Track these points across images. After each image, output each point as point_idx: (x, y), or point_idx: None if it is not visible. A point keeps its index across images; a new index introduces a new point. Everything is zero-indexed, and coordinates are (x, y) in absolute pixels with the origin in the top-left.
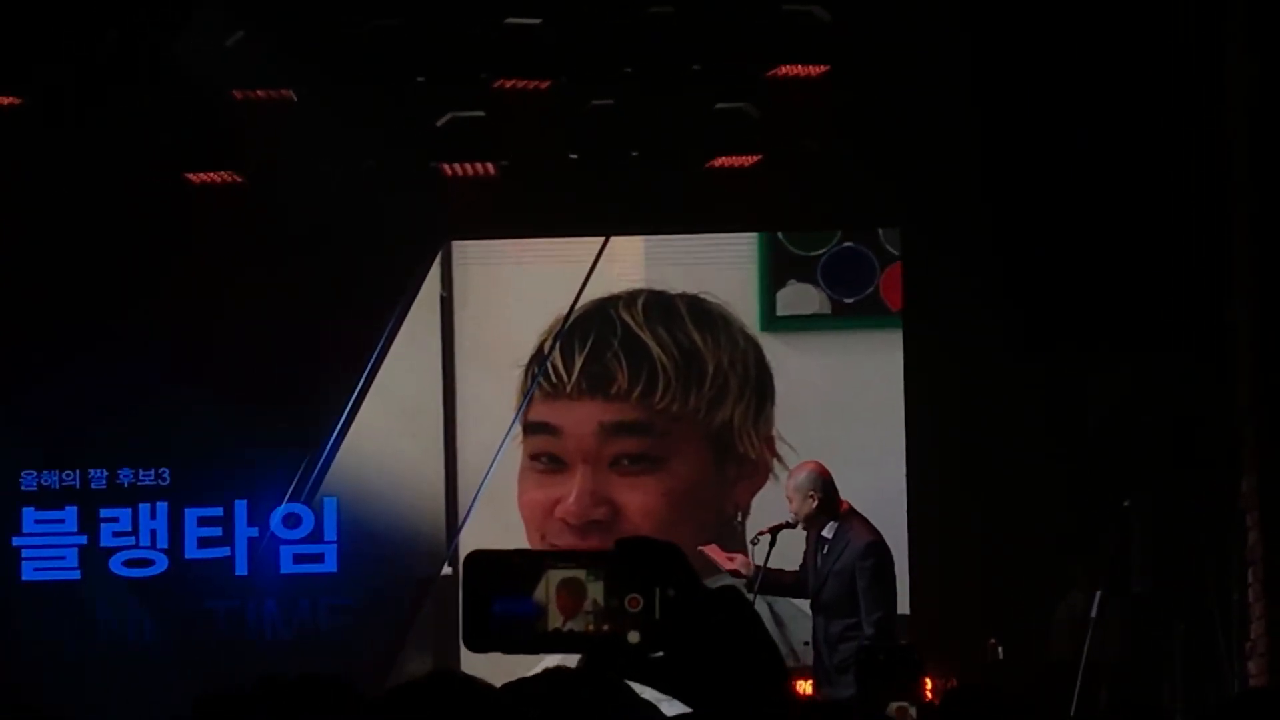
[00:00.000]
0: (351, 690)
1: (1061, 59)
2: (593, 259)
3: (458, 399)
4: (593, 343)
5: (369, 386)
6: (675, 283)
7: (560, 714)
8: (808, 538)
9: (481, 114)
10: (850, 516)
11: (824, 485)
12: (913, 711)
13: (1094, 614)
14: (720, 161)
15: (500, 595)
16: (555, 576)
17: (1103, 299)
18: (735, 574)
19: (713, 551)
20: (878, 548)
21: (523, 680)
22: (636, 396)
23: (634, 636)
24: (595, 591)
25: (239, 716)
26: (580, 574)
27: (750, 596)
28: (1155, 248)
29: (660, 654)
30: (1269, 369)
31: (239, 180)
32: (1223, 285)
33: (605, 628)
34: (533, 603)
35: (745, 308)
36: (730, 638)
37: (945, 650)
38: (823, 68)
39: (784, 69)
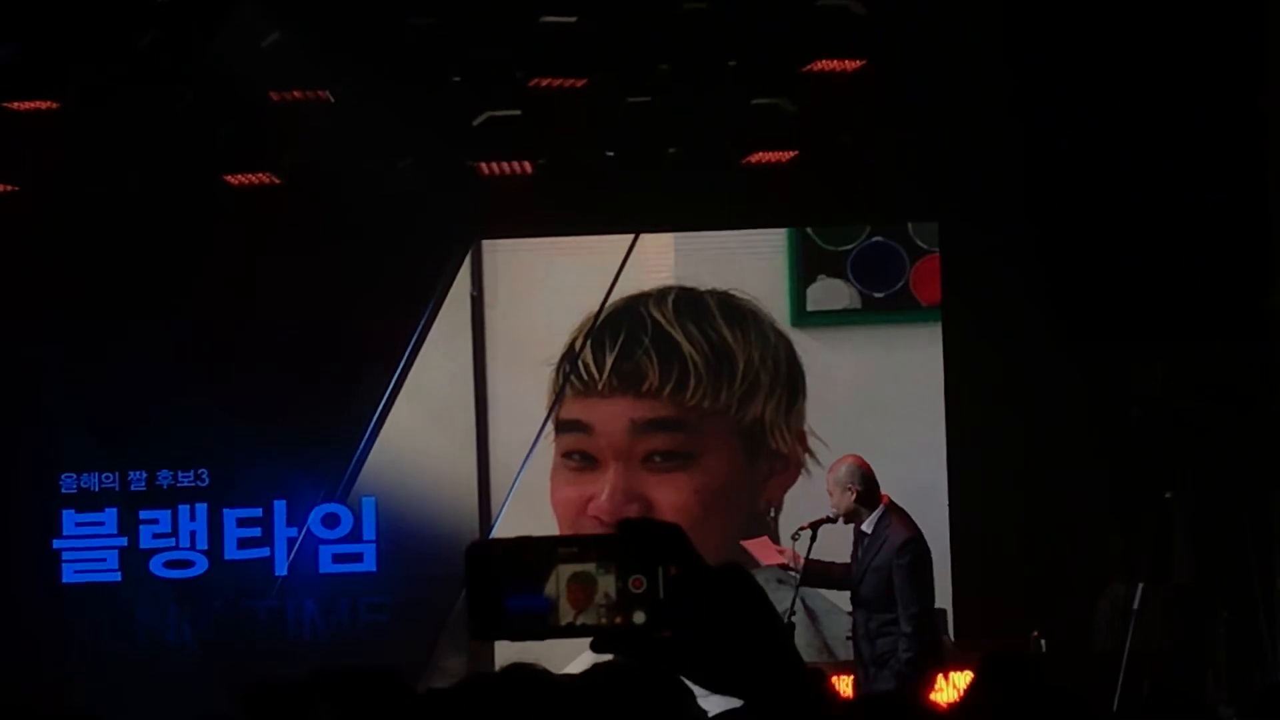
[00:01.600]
0: (402, 682)
1: (1099, 51)
2: (622, 256)
3: (489, 397)
4: (623, 340)
5: (401, 385)
6: (705, 279)
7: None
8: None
9: (518, 113)
10: (890, 511)
11: (864, 479)
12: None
13: (1136, 605)
14: (756, 157)
15: (511, 588)
16: (565, 570)
17: (1141, 289)
18: (784, 568)
19: (762, 544)
20: (915, 543)
21: (590, 672)
22: (668, 393)
23: (639, 617)
24: (606, 584)
25: (290, 708)
26: (590, 567)
27: (795, 592)
28: (1193, 237)
29: (667, 634)
30: None
31: (276, 182)
32: (1261, 272)
33: (618, 620)
34: (544, 597)
35: (775, 303)
36: (735, 614)
37: (989, 644)
38: (859, 62)
39: (820, 64)
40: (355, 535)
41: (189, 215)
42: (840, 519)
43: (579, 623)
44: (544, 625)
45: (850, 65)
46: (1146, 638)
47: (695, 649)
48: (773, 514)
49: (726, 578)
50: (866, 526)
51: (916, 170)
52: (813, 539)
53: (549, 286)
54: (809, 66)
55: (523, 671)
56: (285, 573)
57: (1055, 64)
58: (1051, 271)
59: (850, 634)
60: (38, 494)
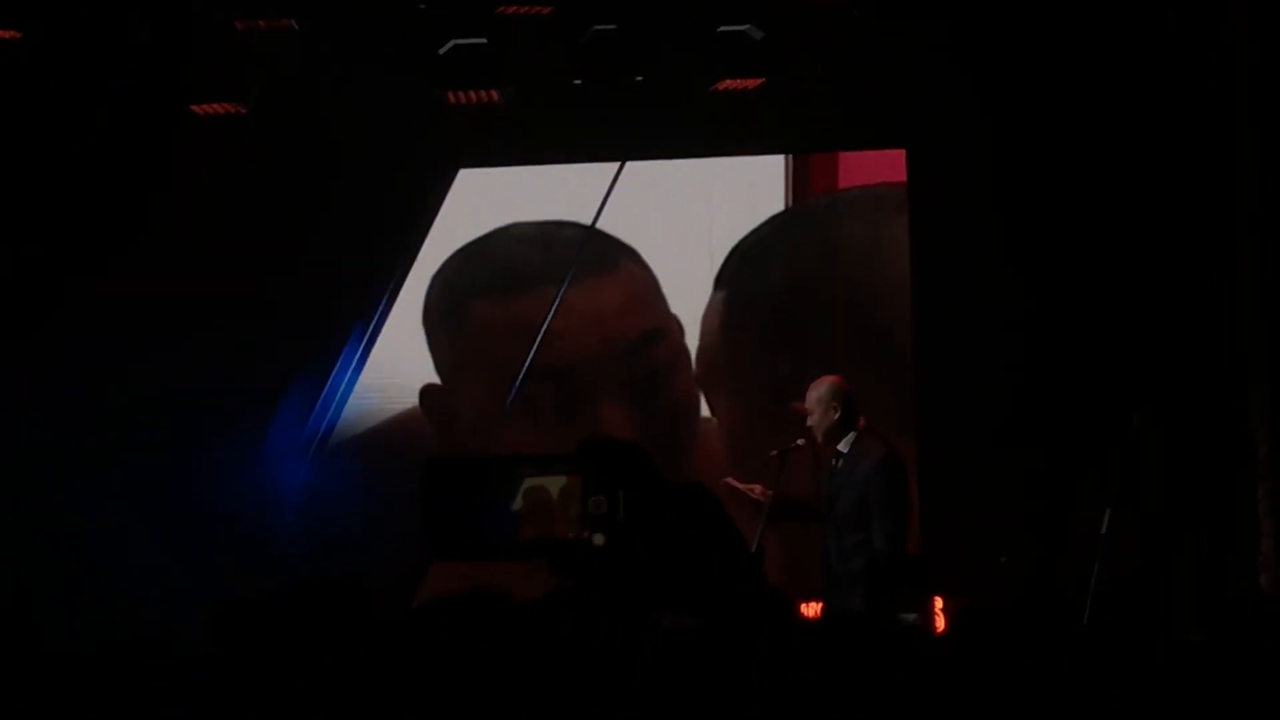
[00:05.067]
0: (369, 593)
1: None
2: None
3: None
4: None
5: (386, 316)
6: None
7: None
8: (821, 460)
9: (483, 40)
10: (868, 431)
11: (846, 398)
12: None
13: (1104, 530)
14: (724, 84)
15: (474, 504)
16: (530, 484)
17: (1106, 214)
18: (754, 502)
19: (731, 482)
20: (893, 460)
21: (551, 596)
22: None
23: (599, 539)
24: (568, 503)
25: (260, 623)
26: (553, 485)
27: (760, 522)
28: (1162, 172)
29: (625, 554)
30: (1276, 285)
31: (242, 111)
32: (1230, 202)
33: (584, 534)
34: (512, 512)
35: None
36: (695, 531)
37: (955, 569)
38: None
39: None
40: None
41: (155, 146)
42: (819, 439)
43: (539, 536)
44: (506, 543)
45: None
46: (1114, 563)
47: (655, 568)
48: None
49: (686, 495)
50: (843, 446)
51: (884, 98)
52: (782, 466)
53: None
54: None
55: (485, 594)
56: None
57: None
58: (1017, 197)
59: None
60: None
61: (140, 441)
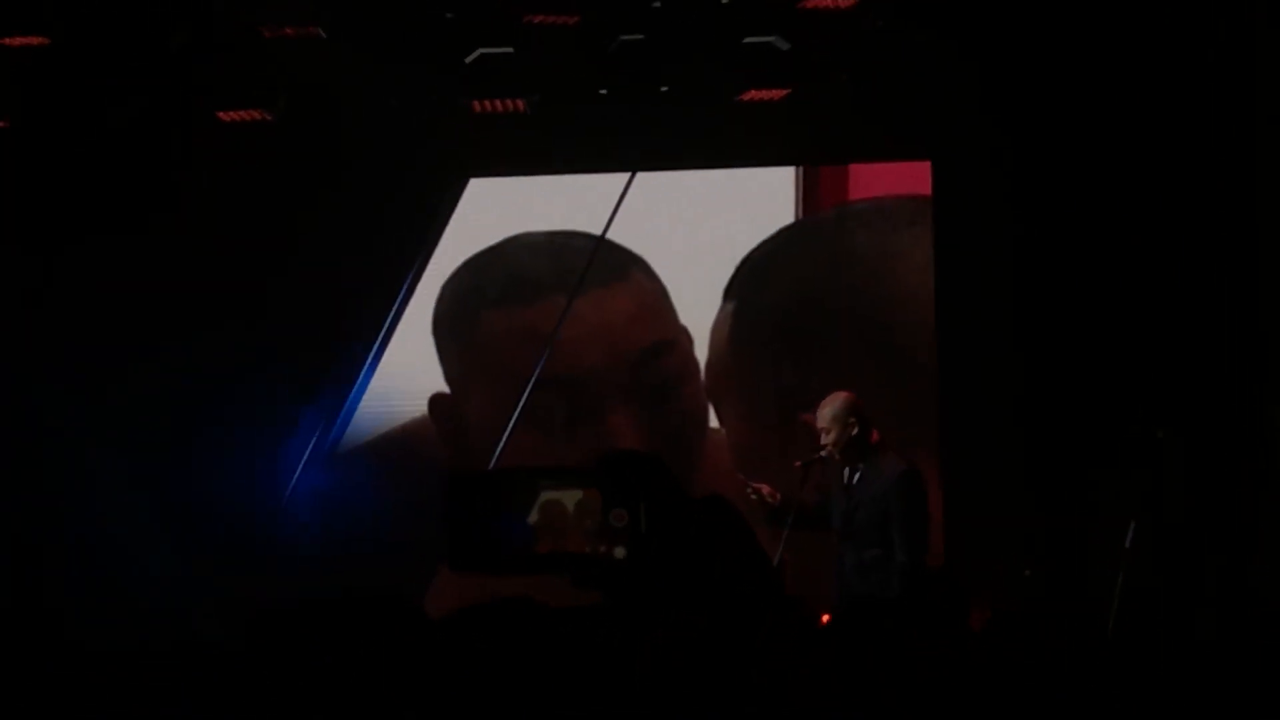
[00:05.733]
0: (409, 606)
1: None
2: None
3: None
4: None
5: (396, 325)
6: None
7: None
8: (829, 469)
9: (510, 50)
10: (883, 446)
11: (861, 413)
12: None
13: (1128, 543)
14: (750, 95)
15: (492, 518)
16: (547, 498)
17: (1131, 228)
18: (764, 503)
19: (742, 477)
20: (915, 475)
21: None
22: None
23: (620, 552)
24: (588, 517)
25: (294, 634)
26: (573, 498)
27: (784, 533)
28: (1184, 184)
29: (648, 566)
30: None
31: (268, 118)
32: (1251, 216)
33: (601, 549)
34: (528, 525)
35: None
36: (717, 544)
37: (980, 581)
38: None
39: (815, 1)
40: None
41: (181, 152)
42: (837, 454)
43: (559, 550)
44: (525, 556)
45: (844, 2)
46: (1138, 576)
47: (677, 581)
48: None
49: (708, 509)
50: (861, 460)
51: (910, 109)
52: (805, 477)
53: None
54: (803, 3)
55: (517, 604)
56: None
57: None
58: (1042, 212)
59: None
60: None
61: (153, 446)
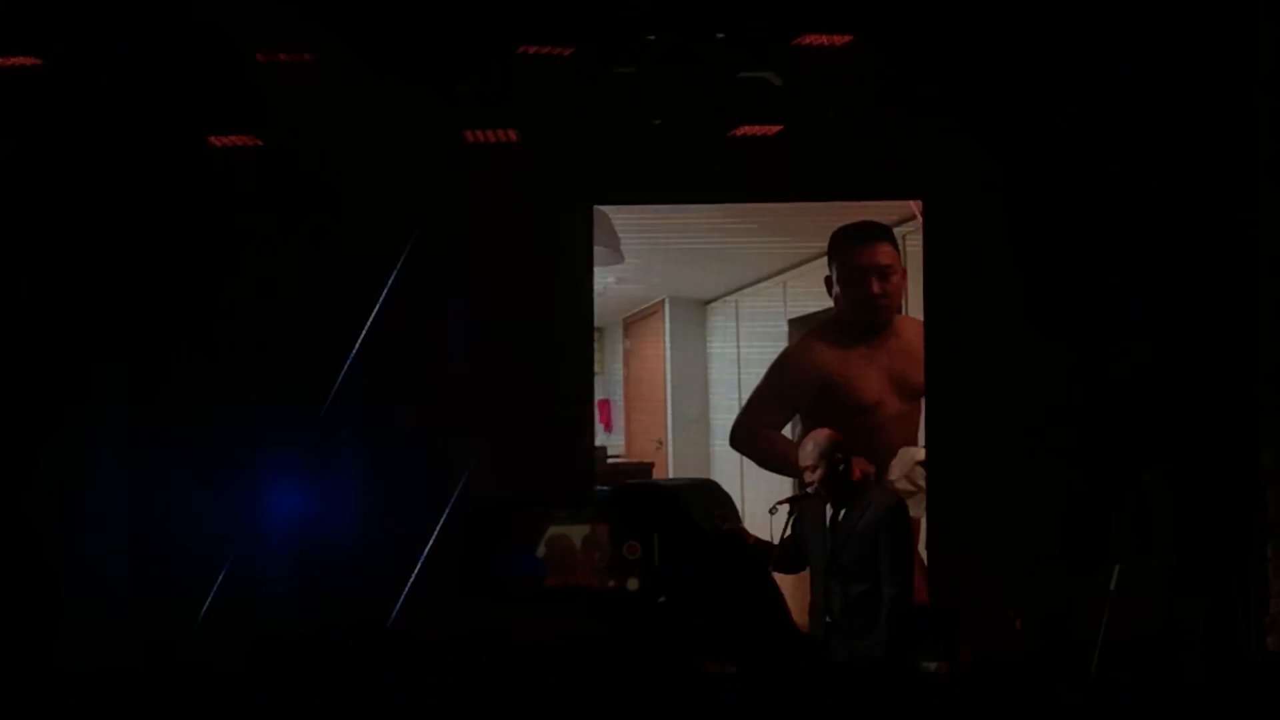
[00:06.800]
0: (412, 636)
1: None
2: None
3: None
4: None
5: (386, 353)
6: None
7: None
8: (810, 508)
9: (504, 81)
10: (866, 481)
11: (845, 450)
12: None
13: (1112, 587)
14: (743, 130)
15: (503, 548)
16: (554, 531)
17: (1125, 275)
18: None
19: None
20: (903, 508)
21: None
22: None
23: (633, 584)
24: (599, 548)
25: (299, 657)
26: (585, 531)
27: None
28: (1177, 226)
29: (660, 600)
30: None
31: (259, 144)
32: (1247, 260)
33: (610, 583)
34: (537, 559)
35: None
36: (729, 581)
37: (962, 622)
38: (847, 37)
39: (809, 38)
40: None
41: (172, 176)
42: (824, 491)
43: (570, 583)
44: (534, 586)
45: (839, 40)
46: (1123, 620)
47: (688, 616)
48: None
49: (723, 545)
50: (846, 498)
51: (902, 147)
52: (791, 514)
53: None
54: (798, 40)
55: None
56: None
57: (1044, 43)
58: (1034, 255)
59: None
60: None
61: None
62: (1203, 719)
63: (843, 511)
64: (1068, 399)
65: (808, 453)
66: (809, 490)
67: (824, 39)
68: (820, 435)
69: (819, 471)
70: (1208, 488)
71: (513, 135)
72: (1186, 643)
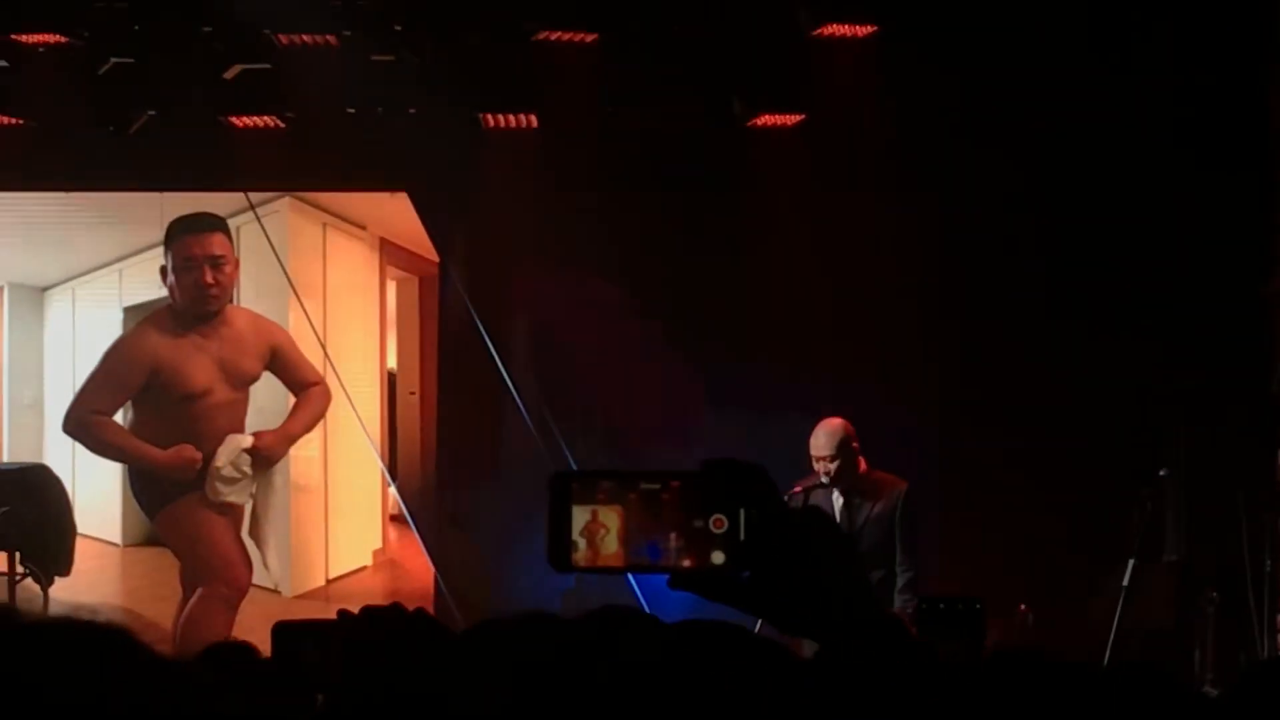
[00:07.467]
0: (436, 622)
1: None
2: None
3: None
4: None
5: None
6: None
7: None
8: (818, 497)
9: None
10: (874, 470)
11: (857, 437)
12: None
13: (1126, 582)
14: (762, 120)
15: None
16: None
17: (1140, 268)
18: None
19: None
20: (912, 494)
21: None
22: None
23: (718, 557)
24: (685, 520)
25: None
26: (665, 498)
27: None
28: (1193, 217)
29: (745, 575)
30: None
31: (281, 125)
32: (1260, 257)
33: (692, 552)
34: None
35: None
36: (816, 557)
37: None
38: (869, 28)
39: (829, 28)
40: None
41: (194, 155)
42: (843, 481)
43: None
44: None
45: (861, 31)
46: (1136, 615)
47: (774, 591)
48: None
49: (809, 520)
50: (858, 486)
51: (921, 139)
52: (805, 503)
53: None
54: (818, 31)
55: (614, 613)
56: None
57: (1063, 39)
58: (1051, 247)
59: None
60: None
61: None
62: (1213, 718)
63: (858, 499)
64: (1082, 395)
65: (821, 443)
66: (823, 480)
67: (847, 30)
68: (834, 425)
69: (837, 463)
70: (1222, 484)
71: (533, 121)
72: (1198, 640)
